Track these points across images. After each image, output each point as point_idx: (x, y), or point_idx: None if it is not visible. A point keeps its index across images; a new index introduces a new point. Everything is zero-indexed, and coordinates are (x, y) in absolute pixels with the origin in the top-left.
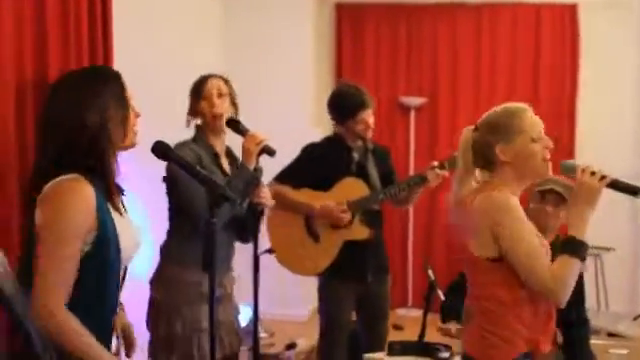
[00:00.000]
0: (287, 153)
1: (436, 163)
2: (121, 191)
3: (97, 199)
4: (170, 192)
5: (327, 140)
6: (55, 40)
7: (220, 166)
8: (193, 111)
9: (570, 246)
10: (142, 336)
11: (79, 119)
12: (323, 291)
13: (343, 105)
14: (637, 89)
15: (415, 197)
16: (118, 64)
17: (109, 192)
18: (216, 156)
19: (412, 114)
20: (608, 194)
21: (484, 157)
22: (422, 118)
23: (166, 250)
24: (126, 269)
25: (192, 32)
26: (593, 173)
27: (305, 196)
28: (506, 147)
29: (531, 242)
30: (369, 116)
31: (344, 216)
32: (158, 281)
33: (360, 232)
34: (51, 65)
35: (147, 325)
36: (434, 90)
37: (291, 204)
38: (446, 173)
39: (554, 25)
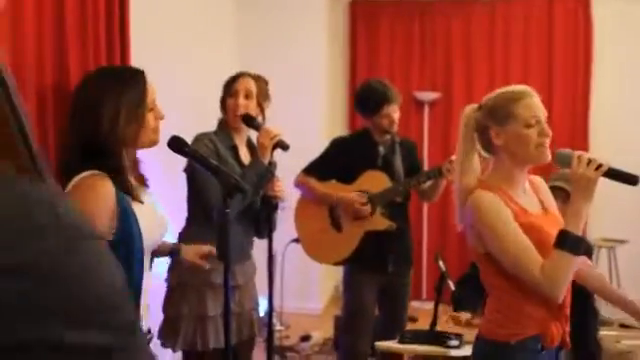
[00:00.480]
0: (301, 149)
1: (454, 157)
2: (144, 182)
3: (117, 193)
4: (188, 182)
5: (355, 134)
6: (74, 42)
7: (238, 159)
8: (221, 105)
9: (562, 241)
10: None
11: (95, 117)
12: (347, 280)
13: (368, 100)
14: None
15: (438, 191)
16: (134, 64)
17: (126, 186)
18: (234, 148)
19: (426, 109)
20: (622, 187)
21: (483, 139)
22: (436, 113)
23: (182, 237)
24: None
25: (207, 31)
26: (589, 162)
27: (330, 188)
28: (500, 131)
29: (516, 239)
30: (394, 111)
31: (364, 208)
32: (174, 267)
33: (381, 223)
34: (71, 67)
35: (162, 308)
36: (448, 85)
37: (315, 194)
38: None
39: (567, 19)
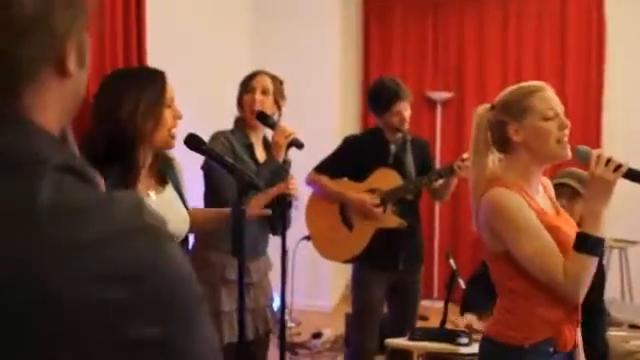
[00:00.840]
0: (314, 147)
1: (465, 156)
2: (163, 180)
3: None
4: (205, 179)
5: (367, 132)
6: (91, 42)
7: (254, 157)
8: (238, 102)
9: (583, 243)
10: None
11: (115, 111)
12: (356, 277)
13: (379, 97)
14: None
15: (449, 190)
16: (151, 62)
17: (128, 181)
18: (250, 146)
19: (439, 108)
20: (634, 187)
21: (499, 137)
22: (448, 112)
23: (199, 234)
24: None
25: (222, 30)
26: (608, 162)
27: (342, 186)
28: (518, 127)
29: (538, 235)
30: (405, 109)
31: (376, 211)
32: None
33: (391, 221)
34: (89, 68)
35: None
36: (460, 85)
37: (327, 193)
38: None
39: (580, 17)
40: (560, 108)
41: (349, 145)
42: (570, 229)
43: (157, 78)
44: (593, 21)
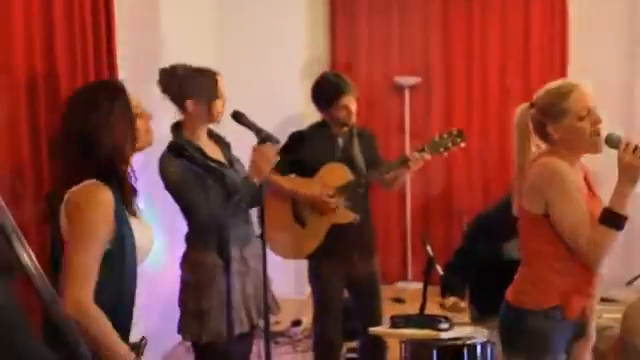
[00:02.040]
0: (280, 135)
1: (421, 148)
2: (134, 193)
3: (115, 203)
4: (176, 197)
5: (313, 127)
6: (62, 38)
7: (206, 156)
8: (208, 109)
9: (608, 218)
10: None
11: (94, 135)
12: (312, 274)
13: (323, 92)
14: (625, 71)
15: (400, 180)
16: (120, 57)
17: (125, 197)
18: (200, 149)
19: (407, 94)
20: (608, 159)
21: (541, 134)
22: (417, 97)
23: (188, 239)
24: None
25: (186, 17)
26: (635, 150)
27: (291, 182)
28: (555, 127)
29: (581, 208)
30: (350, 102)
31: (330, 201)
32: (185, 265)
33: (345, 216)
34: (59, 59)
35: (179, 303)
36: (428, 69)
37: (279, 190)
38: (427, 156)
39: (544, 1)
40: (592, 103)
41: (295, 141)
42: (598, 212)
43: (122, 94)
44: (556, 7)
